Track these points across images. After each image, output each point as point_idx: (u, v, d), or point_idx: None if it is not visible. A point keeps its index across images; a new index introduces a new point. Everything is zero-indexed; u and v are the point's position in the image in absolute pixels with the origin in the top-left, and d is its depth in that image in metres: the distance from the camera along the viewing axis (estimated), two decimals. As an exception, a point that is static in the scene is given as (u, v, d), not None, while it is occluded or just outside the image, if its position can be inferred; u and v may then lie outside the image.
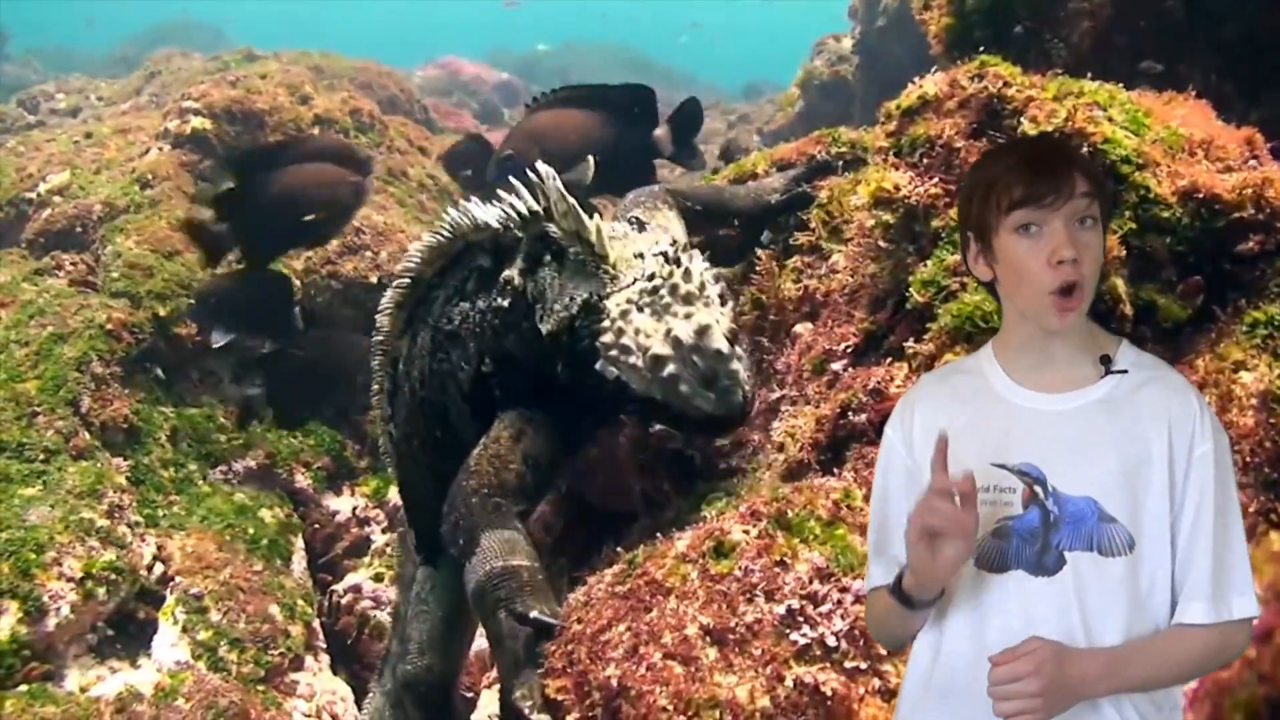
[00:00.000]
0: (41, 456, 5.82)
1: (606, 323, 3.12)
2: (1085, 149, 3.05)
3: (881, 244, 3.50)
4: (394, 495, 7.13)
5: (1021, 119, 3.25)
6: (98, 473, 5.85)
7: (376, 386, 4.09)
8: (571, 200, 3.24)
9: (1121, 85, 3.33)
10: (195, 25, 23.23)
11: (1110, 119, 3.12)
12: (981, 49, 3.70)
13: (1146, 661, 1.73)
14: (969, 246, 1.89)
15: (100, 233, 7.79)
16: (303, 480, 7.14)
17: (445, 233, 3.71)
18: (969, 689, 1.78)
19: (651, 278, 3.13)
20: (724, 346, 3.03)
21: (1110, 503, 1.75)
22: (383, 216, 8.10)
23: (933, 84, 3.54)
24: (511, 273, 3.44)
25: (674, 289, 3.10)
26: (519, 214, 3.43)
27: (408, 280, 3.84)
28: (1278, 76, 3.99)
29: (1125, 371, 1.82)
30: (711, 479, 3.55)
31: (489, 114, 17.80)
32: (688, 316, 3.05)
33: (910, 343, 3.22)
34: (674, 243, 3.33)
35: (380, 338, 3.96)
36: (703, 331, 3.02)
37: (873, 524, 2.03)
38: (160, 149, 8.66)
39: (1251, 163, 3.09)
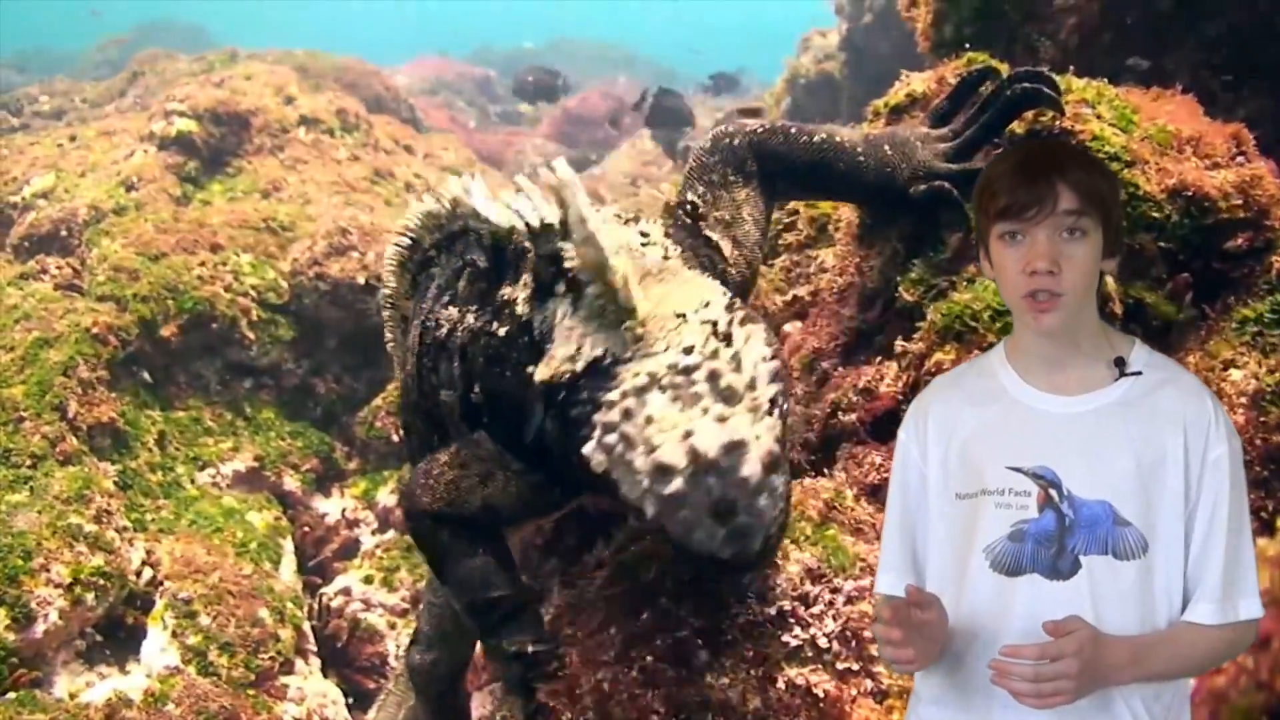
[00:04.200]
0: (28, 462, 5.78)
1: (614, 395, 2.37)
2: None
3: (870, 242, 3.49)
4: (383, 496, 7.14)
5: (1009, 117, 3.24)
6: (85, 477, 5.81)
7: (390, 337, 3.93)
8: (595, 226, 2.44)
9: (1108, 81, 3.33)
10: (179, 25, 23.13)
11: (1098, 116, 3.11)
12: (968, 46, 3.71)
13: (1166, 654, 1.76)
14: (979, 247, 1.92)
15: (86, 236, 7.76)
16: (291, 483, 7.12)
17: (445, 204, 3.28)
18: (983, 691, 1.80)
19: (689, 351, 2.37)
20: (755, 474, 2.23)
21: (1125, 506, 1.77)
22: (369, 217, 8.06)
23: (920, 81, 3.55)
24: (514, 294, 2.83)
25: (714, 376, 2.33)
26: (528, 223, 2.73)
27: (408, 241, 3.53)
28: (1263, 71, 4.00)
29: (1140, 374, 1.83)
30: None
31: (477, 112, 17.80)
32: (721, 420, 2.28)
33: (900, 341, 3.21)
34: (732, 305, 2.53)
35: (388, 292, 3.78)
36: (734, 448, 2.24)
37: (888, 528, 2.03)
38: (145, 151, 8.61)
39: (1239, 159, 3.09)
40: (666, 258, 2.74)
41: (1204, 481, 1.77)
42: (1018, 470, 1.82)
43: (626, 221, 3.02)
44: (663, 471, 2.26)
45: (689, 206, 3.07)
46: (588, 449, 2.37)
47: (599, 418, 2.38)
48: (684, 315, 2.47)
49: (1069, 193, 1.76)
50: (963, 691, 1.87)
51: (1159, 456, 1.77)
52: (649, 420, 2.31)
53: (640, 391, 2.35)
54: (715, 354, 2.37)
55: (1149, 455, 1.77)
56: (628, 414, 2.34)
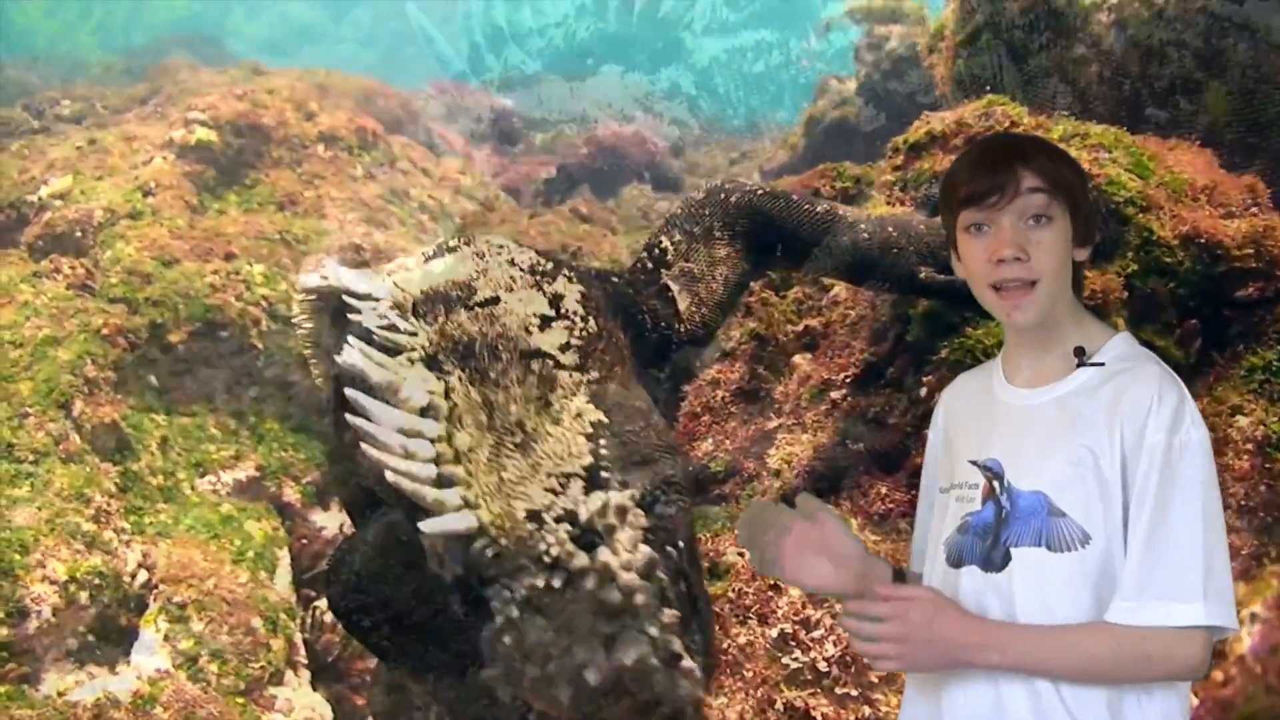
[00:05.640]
0: (30, 458, 5.78)
1: (497, 611, 2.13)
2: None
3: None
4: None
5: (1027, 158, 3.28)
6: (86, 477, 5.81)
7: (317, 373, 3.75)
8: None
9: (1126, 129, 3.37)
10: (199, 39, 23.32)
11: (1115, 161, 3.15)
12: (988, 89, 3.76)
13: (1044, 645, 1.67)
14: (951, 249, 1.89)
15: (100, 238, 7.79)
16: (291, 494, 7.10)
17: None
18: (932, 683, 1.79)
19: (554, 567, 2.10)
20: (664, 683, 2.12)
21: (1063, 497, 1.72)
22: (383, 235, 8.12)
23: (940, 121, 3.59)
24: None
25: (590, 597, 2.10)
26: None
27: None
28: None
29: (1102, 364, 1.77)
30: (705, 504, 3.55)
31: (494, 140, 17.90)
32: (607, 642, 2.12)
33: (910, 375, 3.24)
34: (595, 474, 2.21)
35: (306, 331, 3.55)
36: (637, 668, 2.11)
37: (918, 516, 2.05)
38: (164, 158, 8.67)
39: (1253, 209, 3.13)
40: (565, 349, 2.35)
41: (1138, 470, 1.67)
42: (974, 463, 1.83)
43: (541, 278, 2.53)
44: (565, 697, 2.11)
45: (657, 251, 2.90)
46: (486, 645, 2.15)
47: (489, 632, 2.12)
48: (539, 518, 2.12)
49: (1032, 176, 1.73)
50: (914, 690, 1.88)
51: (1098, 446, 1.71)
52: (536, 649, 2.11)
53: (521, 615, 2.10)
54: (583, 573, 2.09)
55: (1089, 444, 1.71)
56: (519, 636, 2.11)
